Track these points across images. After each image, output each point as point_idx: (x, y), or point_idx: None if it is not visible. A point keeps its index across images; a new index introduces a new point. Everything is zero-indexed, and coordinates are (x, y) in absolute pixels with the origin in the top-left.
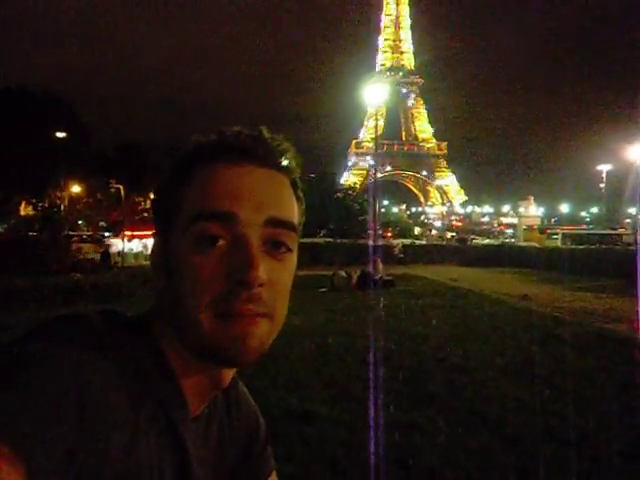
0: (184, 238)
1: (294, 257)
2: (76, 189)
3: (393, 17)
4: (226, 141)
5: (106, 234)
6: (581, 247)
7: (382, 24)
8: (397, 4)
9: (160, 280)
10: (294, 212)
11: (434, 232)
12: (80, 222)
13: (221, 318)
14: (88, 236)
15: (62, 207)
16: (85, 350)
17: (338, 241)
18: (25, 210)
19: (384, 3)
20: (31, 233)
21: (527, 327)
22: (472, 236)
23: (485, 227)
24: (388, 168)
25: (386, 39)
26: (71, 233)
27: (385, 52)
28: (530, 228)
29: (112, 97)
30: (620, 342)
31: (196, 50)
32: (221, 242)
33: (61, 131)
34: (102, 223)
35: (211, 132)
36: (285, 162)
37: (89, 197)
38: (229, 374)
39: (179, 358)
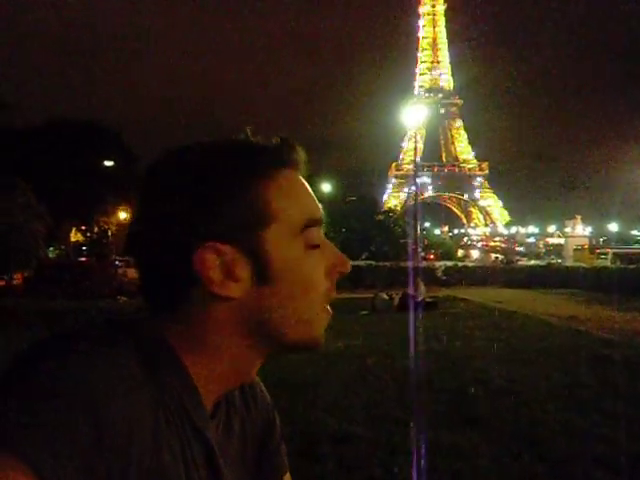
0: (294, 244)
1: None
2: (123, 215)
3: (430, 39)
4: (292, 150)
5: None
6: (632, 267)
7: (419, 46)
8: (434, 26)
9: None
10: None
11: (476, 255)
12: None
13: (325, 311)
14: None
15: (110, 233)
16: (97, 365)
17: (380, 263)
18: (75, 236)
19: (420, 26)
20: (80, 259)
21: (575, 348)
22: (517, 257)
23: (530, 248)
24: (429, 190)
25: (424, 61)
26: (118, 258)
27: (423, 74)
28: (582, 248)
29: (156, 124)
30: None
31: (233, 77)
32: (320, 244)
33: (109, 159)
34: None
35: (268, 138)
36: None
37: None
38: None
39: (193, 355)
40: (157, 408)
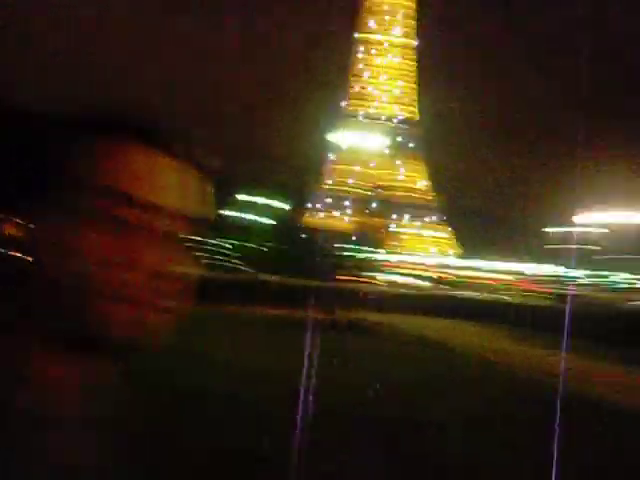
0: (83, 212)
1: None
2: None
3: (379, 67)
4: (132, 121)
5: None
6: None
7: (368, 74)
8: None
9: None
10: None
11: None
12: None
13: (110, 303)
14: None
15: None
16: None
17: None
18: None
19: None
20: None
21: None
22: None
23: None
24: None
25: (375, 88)
26: None
27: (366, 100)
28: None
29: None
30: None
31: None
32: (123, 224)
33: None
34: None
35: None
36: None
37: None
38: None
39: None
40: None
